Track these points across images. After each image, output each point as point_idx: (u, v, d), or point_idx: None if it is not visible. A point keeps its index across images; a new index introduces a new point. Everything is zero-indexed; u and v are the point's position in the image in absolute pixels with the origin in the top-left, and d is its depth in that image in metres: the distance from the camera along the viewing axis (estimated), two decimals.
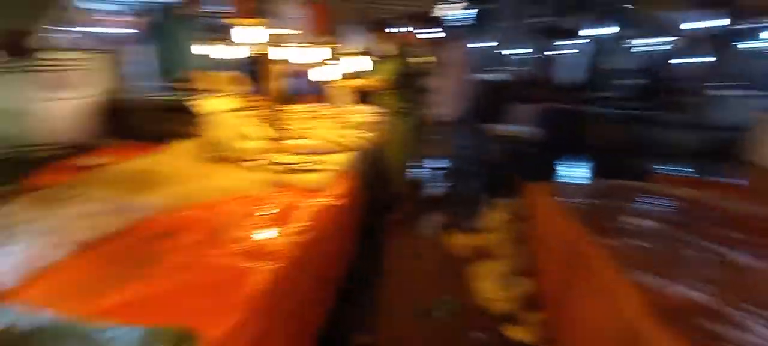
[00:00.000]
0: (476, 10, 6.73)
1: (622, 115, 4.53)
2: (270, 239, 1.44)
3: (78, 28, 3.68)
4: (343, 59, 3.28)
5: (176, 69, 3.22)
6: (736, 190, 2.08)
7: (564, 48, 6.92)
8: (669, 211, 1.80)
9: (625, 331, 1.13)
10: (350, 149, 2.54)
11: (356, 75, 3.37)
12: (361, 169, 2.58)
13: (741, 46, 5.35)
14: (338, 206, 1.95)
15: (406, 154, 3.40)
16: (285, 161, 2.17)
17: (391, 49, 3.15)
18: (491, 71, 6.72)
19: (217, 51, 3.09)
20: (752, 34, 5.23)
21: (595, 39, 6.57)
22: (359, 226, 2.48)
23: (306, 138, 2.71)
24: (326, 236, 1.75)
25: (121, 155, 2.21)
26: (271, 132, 2.48)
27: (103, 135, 2.54)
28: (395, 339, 2.14)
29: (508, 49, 7.64)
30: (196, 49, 3.19)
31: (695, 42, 5.60)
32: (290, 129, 2.73)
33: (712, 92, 4.66)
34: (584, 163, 3.72)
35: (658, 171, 2.79)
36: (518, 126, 4.60)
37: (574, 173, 3.58)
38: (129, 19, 3.87)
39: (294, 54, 2.85)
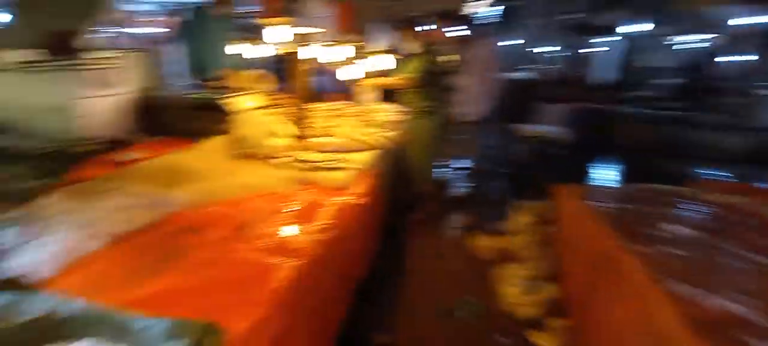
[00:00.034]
0: (503, 7, 6.60)
1: (659, 116, 4.33)
2: (294, 236, 1.46)
3: (117, 29, 3.87)
4: (367, 57, 3.29)
5: (207, 67, 3.32)
6: None
7: (596, 45, 6.68)
8: (706, 217, 1.71)
9: (656, 342, 1.09)
10: (374, 148, 2.55)
11: (381, 73, 3.37)
12: (385, 168, 2.58)
13: None
14: (361, 204, 1.96)
15: (430, 153, 3.37)
16: (309, 159, 2.20)
17: (416, 47, 3.13)
18: (518, 70, 6.58)
19: (246, 50, 3.17)
20: None
21: (630, 36, 6.31)
22: (382, 225, 2.48)
23: (330, 136, 2.74)
24: (349, 234, 1.76)
25: (154, 151, 2.29)
26: (296, 130, 2.51)
27: (139, 131, 2.64)
28: (416, 340, 2.13)
29: (536, 46, 7.45)
30: (227, 48, 3.28)
31: (740, 39, 5.28)
32: (315, 127, 2.76)
33: (757, 92, 4.38)
34: (615, 166, 3.59)
35: (697, 176, 2.65)
36: (546, 126, 4.49)
37: (605, 175, 3.46)
38: (163, 19, 4.02)
39: (319, 52, 2.88)
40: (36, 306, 0.85)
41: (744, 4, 5.09)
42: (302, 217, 1.61)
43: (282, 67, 3.77)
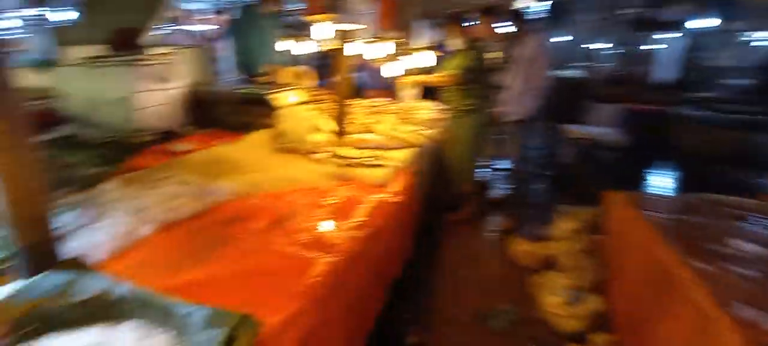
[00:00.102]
0: (552, 2, 6.30)
1: (724, 119, 3.95)
2: (331, 231, 1.47)
3: (173, 26, 4.09)
4: (409, 54, 3.26)
5: (255, 63, 3.43)
6: None
7: (655, 42, 6.21)
8: None
9: None
10: (413, 146, 2.52)
11: (422, 70, 3.33)
12: (423, 167, 2.55)
13: None
14: (398, 202, 1.94)
15: (471, 153, 3.29)
16: (348, 155, 2.21)
17: (460, 43, 3.05)
18: (568, 67, 6.27)
19: (292, 46, 3.25)
20: None
21: (693, 32, 5.81)
22: (418, 224, 2.45)
23: (370, 133, 2.74)
24: (385, 232, 1.75)
25: (204, 143, 2.41)
26: (336, 126, 2.54)
27: (190, 123, 2.79)
28: (449, 343, 2.09)
29: (588, 43, 7.05)
30: (274, 44, 3.38)
31: None
32: (355, 123, 2.78)
33: None
34: (673, 173, 3.33)
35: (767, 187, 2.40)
36: (597, 128, 4.24)
37: (661, 183, 3.21)
38: (216, 17, 4.21)
39: (362, 49, 2.89)
40: (91, 286, 0.91)
41: None
42: (340, 213, 1.62)
43: (324, 64, 3.84)
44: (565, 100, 4.43)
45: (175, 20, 4.15)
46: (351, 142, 2.46)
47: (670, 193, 2.79)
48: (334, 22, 2.47)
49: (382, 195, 1.85)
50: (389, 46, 3.09)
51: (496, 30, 2.97)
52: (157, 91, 2.60)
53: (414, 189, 2.28)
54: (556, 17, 6.58)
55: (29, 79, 2.82)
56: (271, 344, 0.92)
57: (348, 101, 2.63)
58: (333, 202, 1.72)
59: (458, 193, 3.39)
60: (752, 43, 5.55)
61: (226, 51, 3.63)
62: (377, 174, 2.01)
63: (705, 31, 5.81)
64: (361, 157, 2.20)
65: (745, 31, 5.59)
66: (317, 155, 2.23)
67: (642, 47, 6.35)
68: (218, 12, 4.34)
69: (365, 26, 3.43)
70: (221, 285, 1.10)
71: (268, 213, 1.56)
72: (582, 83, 5.65)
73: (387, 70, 3.22)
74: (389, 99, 3.65)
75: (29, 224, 0.91)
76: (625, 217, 1.87)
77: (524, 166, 3.02)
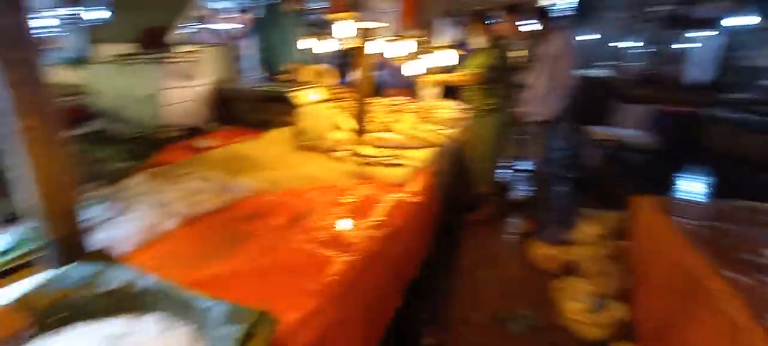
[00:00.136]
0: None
1: (763, 122, 3.75)
2: (349, 230, 1.47)
3: (199, 24, 4.19)
4: (430, 53, 3.24)
5: (277, 61, 3.47)
6: None
7: (688, 40, 5.95)
8: None
9: None
10: (433, 145, 2.50)
11: (443, 69, 3.30)
12: (443, 167, 2.53)
13: None
14: (417, 202, 1.93)
15: (492, 153, 3.24)
16: (367, 154, 2.21)
17: (483, 41, 3.00)
18: (595, 66, 6.09)
19: (313, 45, 3.27)
20: None
21: (730, 30, 5.53)
22: (437, 224, 2.43)
23: (389, 131, 2.73)
24: (403, 232, 1.74)
25: (226, 139, 2.45)
26: (356, 124, 2.54)
27: (213, 120, 2.84)
28: (466, 344, 2.07)
29: (616, 41, 6.83)
30: (296, 42, 3.42)
31: None
32: (374, 122, 2.77)
33: None
34: (706, 178, 3.19)
35: None
36: (625, 129, 4.11)
37: (693, 188, 3.08)
38: (240, 16, 4.28)
39: (383, 47, 2.88)
40: (116, 278, 0.93)
41: None
42: (358, 211, 1.62)
43: (345, 62, 3.86)
44: (591, 101, 4.31)
45: (201, 19, 4.25)
46: (370, 140, 2.46)
47: (702, 199, 2.67)
48: (356, 21, 2.48)
49: (401, 195, 1.85)
50: (410, 45, 3.07)
51: (521, 28, 2.91)
52: (182, 88, 2.67)
53: (433, 189, 2.26)
54: (583, 15, 6.40)
55: (63, 75, 2.94)
56: (287, 341, 0.92)
57: (368, 100, 2.63)
58: (351, 200, 1.72)
59: (478, 193, 3.35)
60: None
61: (249, 49, 3.69)
62: (396, 173, 2.00)
63: (742, 29, 5.53)
64: (380, 156, 2.19)
65: None
66: (337, 153, 2.24)
67: (674, 46, 6.10)
68: (243, 11, 4.41)
69: (387, 24, 3.42)
70: (240, 280, 1.12)
71: (286, 210, 1.57)
72: (609, 83, 5.48)
73: (408, 69, 3.20)
74: (409, 98, 3.63)
75: (60, 216, 0.94)
76: (653, 222, 1.80)
77: (547, 167, 2.94)
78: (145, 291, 0.91)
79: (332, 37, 2.94)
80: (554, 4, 5.35)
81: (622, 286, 2.16)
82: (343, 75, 3.69)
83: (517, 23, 2.89)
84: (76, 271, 0.93)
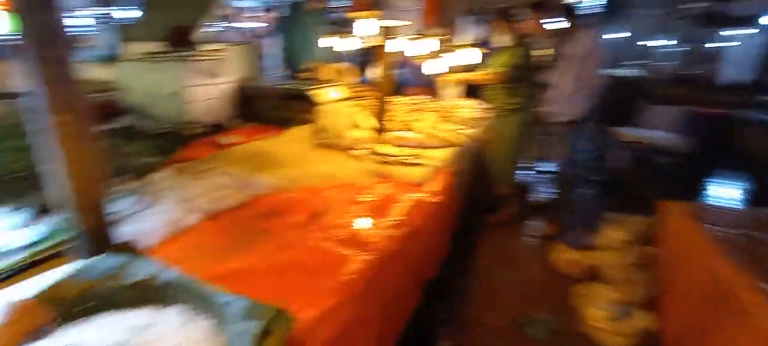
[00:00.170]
0: None
1: None
2: (367, 229, 1.47)
3: (225, 23, 4.28)
4: (453, 51, 3.20)
5: (300, 59, 3.51)
6: None
7: (725, 39, 5.68)
8: None
9: None
10: (453, 145, 2.48)
11: (466, 68, 3.26)
12: (463, 167, 2.50)
13: None
14: (436, 202, 1.91)
15: (514, 153, 3.18)
16: (386, 152, 2.21)
17: (507, 40, 2.95)
18: (624, 66, 5.90)
19: (336, 43, 3.29)
20: None
21: None
22: (456, 225, 2.41)
23: (409, 130, 2.72)
24: (422, 232, 1.73)
25: (248, 136, 2.50)
26: (376, 123, 2.54)
27: (236, 117, 2.90)
28: None
29: (647, 40, 6.58)
30: (319, 41, 3.44)
31: None
32: (394, 120, 2.77)
33: None
34: (741, 184, 3.04)
35: None
36: (654, 131, 3.96)
37: (727, 194, 2.94)
38: (264, 15, 4.35)
39: (404, 45, 2.87)
40: (141, 270, 0.96)
41: None
42: (377, 210, 1.62)
43: (366, 60, 3.86)
44: (619, 101, 4.17)
45: (226, 18, 4.34)
46: (390, 139, 2.45)
47: (735, 205, 2.55)
48: (378, 19, 2.47)
49: (420, 194, 1.83)
50: (432, 43, 3.05)
51: (546, 26, 2.84)
52: (207, 85, 2.73)
53: (453, 189, 2.24)
54: (612, 12, 6.20)
55: (95, 72, 3.05)
56: (304, 339, 0.93)
57: (388, 98, 2.63)
58: (370, 199, 1.72)
59: (499, 194, 3.30)
60: None
61: (272, 47, 3.74)
62: (416, 173, 1.99)
63: None
64: (399, 155, 2.19)
65: None
66: (356, 152, 2.24)
67: (708, 45, 5.84)
68: (267, 10, 4.48)
69: (409, 23, 3.40)
70: (259, 277, 1.14)
71: (305, 208, 1.58)
72: (638, 83, 5.29)
73: (429, 68, 3.18)
74: (430, 97, 3.61)
75: (89, 209, 0.98)
76: (682, 229, 1.73)
77: (571, 169, 2.87)
78: (168, 284, 0.94)
79: (354, 36, 2.94)
80: (581, 2, 5.21)
81: (648, 294, 2.09)
82: (363, 73, 3.70)
83: (542, 21, 2.83)
84: (102, 262, 0.96)
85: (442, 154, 2.29)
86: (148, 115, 2.55)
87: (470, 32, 4.60)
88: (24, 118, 0.91)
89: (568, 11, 2.70)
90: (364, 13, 2.49)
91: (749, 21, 5.33)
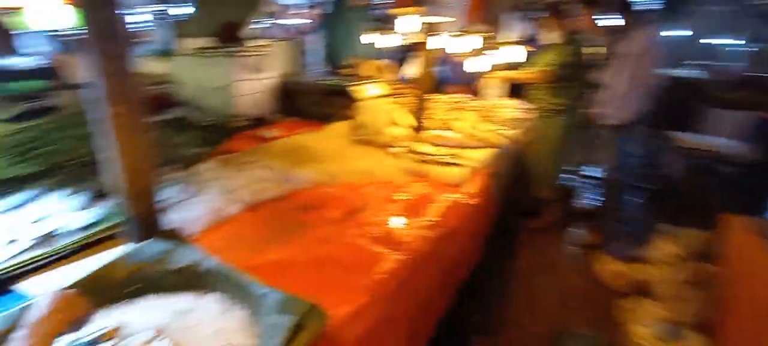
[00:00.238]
0: None
1: None
2: (402, 228, 1.46)
3: (271, 20, 4.41)
4: (497, 49, 3.11)
5: (342, 56, 3.55)
6: None
7: None
8: None
9: None
10: (493, 146, 2.40)
11: (509, 66, 3.15)
12: (502, 169, 2.42)
13: None
14: (473, 204, 1.87)
15: (557, 156, 3.05)
16: (424, 151, 2.18)
17: (555, 37, 2.82)
18: (683, 66, 5.48)
19: (377, 39, 3.30)
20: None
21: None
22: (493, 228, 2.34)
23: (448, 129, 2.67)
24: (458, 233, 1.69)
25: (289, 130, 2.55)
26: (414, 121, 2.51)
27: (278, 112, 2.98)
28: None
29: (710, 38, 6.08)
30: (361, 37, 3.46)
31: None
32: (433, 119, 2.73)
33: None
34: None
35: None
36: (716, 138, 3.65)
37: None
38: (309, 11, 4.44)
39: (446, 42, 2.82)
40: (185, 257, 1.00)
41: None
42: (413, 210, 1.60)
43: (405, 57, 3.84)
44: (677, 104, 3.88)
45: (272, 15, 4.47)
46: (428, 138, 2.42)
47: None
48: (421, 15, 2.44)
49: (457, 195, 1.80)
50: (475, 40, 2.98)
51: (599, 23, 2.68)
52: (252, 80, 2.82)
53: (491, 192, 2.18)
54: (672, 9, 5.77)
55: (150, 66, 3.24)
56: (337, 335, 0.94)
57: (428, 96, 2.59)
58: (406, 198, 1.71)
59: (540, 198, 3.18)
60: None
61: (315, 44, 3.81)
62: (453, 173, 1.95)
63: None
64: (437, 155, 2.15)
65: None
66: (394, 149, 2.23)
67: None
68: (311, 7, 4.56)
69: (452, 19, 3.34)
70: (296, 270, 1.16)
71: (342, 203, 1.60)
72: (700, 85, 4.90)
73: (471, 66, 3.11)
74: (471, 95, 3.53)
75: (139, 196, 1.03)
76: (747, 245, 1.58)
77: (619, 174, 2.70)
78: (209, 272, 0.97)
79: (395, 32, 2.93)
80: None
81: (701, 314, 1.93)
82: (403, 70, 3.68)
83: (595, 17, 2.68)
84: (150, 247, 1.01)
85: (481, 155, 2.23)
86: (198, 107, 2.68)
87: (515, 29, 4.45)
88: (86, 108, 0.97)
89: (625, 7, 2.54)
90: (407, 9, 2.47)
91: None
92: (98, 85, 0.91)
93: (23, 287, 1.03)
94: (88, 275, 0.91)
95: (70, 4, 1.02)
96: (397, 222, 1.50)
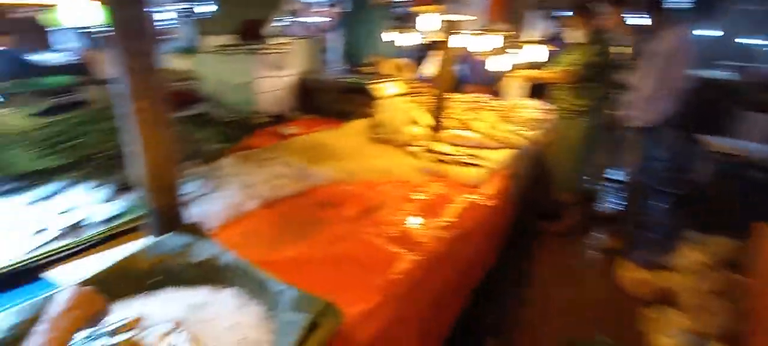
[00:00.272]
0: None
1: None
2: (419, 228, 1.45)
3: (291, 18, 4.45)
4: (518, 48, 3.06)
5: (361, 54, 3.55)
6: None
7: None
8: None
9: None
10: (512, 147, 2.37)
11: (532, 65, 3.09)
12: (521, 170, 2.38)
13: None
14: (491, 206, 1.84)
15: (579, 159, 2.97)
16: (442, 151, 2.16)
17: (580, 36, 2.74)
18: (716, 67, 5.27)
19: (397, 38, 3.29)
20: None
21: None
22: (510, 230, 2.30)
23: (467, 129, 2.64)
24: (474, 235, 1.67)
25: (308, 128, 2.57)
26: (432, 120, 2.50)
27: (297, 109, 3.00)
28: None
29: (744, 38, 5.83)
30: (381, 35, 3.46)
31: None
32: (452, 118, 2.70)
33: None
34: None
35: None
36: (749, 142, 3.49)
37: None
38: (329, 9, 4.46)
39: (466, 41, 2.78)
40: (204, 251, 1.02)
41: None
42: (429, 209, 1.59)
43: (423, 56, 3.81)
44: (708, 106, 3.74)
45: (293, 13, 4.51)
46: (447, 137, 2.40)
47: None
48: (442, 13, 2.42)
49: (474, 196, 1.78)
50: (496, 39, 2.93)
51: (627, 21, 2.60)
52: (273, 77, 2.85)
53: (509, 193, 2.14)
54: (703, 8, 5.55)
55: (175, 63, 3.32)
56: (351, 334, 0.94)
57: (447, 95, 2.57)
58: (423, 198, 1.70)
59: (560, 201, 3.11)
60: None
61: (335, 42, 3.82)
62: (471, 173, 1.93)
63: None
64: (456, 155, 2.13)
65: None
66: (411, 148, 2.22)
67: None
68: (332, 4, 4.59)
69: (473, 17, 3.29)
70: (313, 266, 1.17)
71: (359, 202, 1.60)
72: (732, 87, 4.70)
73: (492, 65, 3.06)
74: (490, 95, 3.48)
75: (162, 189, 1.05)
76: None
77: (644, 178, 2.61)
78: (227, 266, 0.98)
79: (415, 30, 2.91)
80: None
81: (728, 326, 1.86)
82: (422, 69, 3.66)
83: (622, 16, 2.59)
84: (171, 240, 1.04)
85: (500, 156, 2.20)
86: (220, 103, 2.72)
87: (538, 27, 4.36)
88: (113, 103, 0.99)
89: (654, 5, 2.45)
90: (428, 7, 2.45)
91: None
92: (123, 81, 0.94)
93: (51, 275, 1.07)
94: (112, 266, 0.94)
95: (99, 1, 1.05)
96: (413, 222, 1.49)
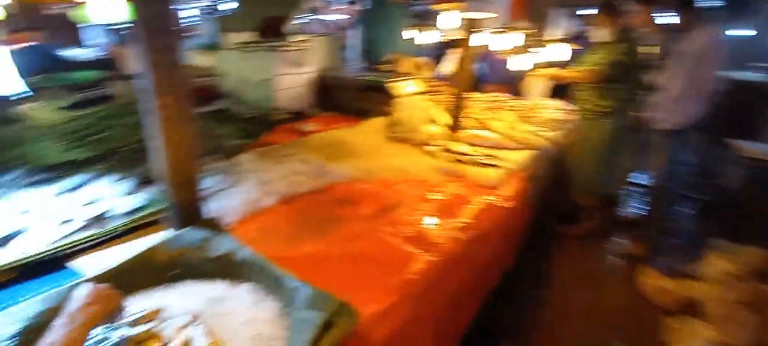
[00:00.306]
0: None
1: None
2: (435, 228, 1.44)
3: (311, 15, 4.47)
4: (540, 46, 2.99)
5: (380, 52, 3.55)
6: None
7: None
8: None
9: None
10: (531, 148, 2.32)
11: (555, 65, 3.02)
12: (541, 172, 2.33)
13: None
14: (508, 207, 1.81)
15: (601, 161, 2.89)
16: (460, 151, 2.14)
17: (606, 34, 2.65)
18: (748, 69, 5.05)
19: (416, 36, 3.26)
20: None
21: None
22: (529, 232, 2.26)
23: (486, 129, 2.60)
24: (491, 236, 1.65)
25: (326, 125, 2.58)
26: (450, 119, 2.47)
27: (316, 106, 3.02)
28: None
29: None
30: (400, 33, 3.45)
31: None
32: (470, 118, 2.67)
33: None
34: None
35: None
36: None
37: None
38: (349, 7, 4.47)
39: (486, 39, 2.74)
40: (222, 245, 1.03)
41: None
42: (446, 210, 1.57)
43: (442, 54, 3.78)
44: (740, 109, 3.59)
45: (313, 10, 4.53)
46: (465, 137, 2.37)
47: None
48: (462, 11, 2.39)
49: (492, 197, 1.75)
50: (517, 38, 2.88)
51: (656, 20, 2.51)
52: (292, 74, 2.88)
53: (527, 195, 2.10)
54: (736, 6, 5.32)
55: (197, 59, 3.38)
56: (366, 333, 0.93)
57: (466, 94, 2.53)
58: (440, 198, 1.68)
59: (580, 205, 3.03)
60: None
61: (354, 39, 3.83)
62: (489, 174, 1.90)
63: None
64: (474, 155, 2.10)
65: None
66: (429, 147, 2.21)
67: None
68: (352, 2, 4.59)
69: (495, 15, 3.24)
70: (330, 264, 1.17)
71: (376, 200, 1.59)
72: (765, 89, 4.50)
73: (513, 63, 3.00)
74: (510, 95, 3.42)
75: (182, 184, 1.07)
76: None
77: (670, 183, 2.53)
78: (244, 262, 1.00)
79: (435, 28, 2.88)
80: None
81: (757, 339, 1.78)
82: (440, 67, 3.63)
83: (652, 15, 2.50)
84: (190, 234, 1.05)
85: (519, 157, 2.16)
86: (240, 100, 2.76)
87: (562, 26, 4.26)
88: (139, 98, 1.02)
89: (684, 4, 2.36)
90: (449, 4, 2.42)
91: None
92: (148, 77, 0.96)
93: (76, 264, 1.11)
94: (133, 257, 0.96)
95: None
96: (430, 222, 1.48)
